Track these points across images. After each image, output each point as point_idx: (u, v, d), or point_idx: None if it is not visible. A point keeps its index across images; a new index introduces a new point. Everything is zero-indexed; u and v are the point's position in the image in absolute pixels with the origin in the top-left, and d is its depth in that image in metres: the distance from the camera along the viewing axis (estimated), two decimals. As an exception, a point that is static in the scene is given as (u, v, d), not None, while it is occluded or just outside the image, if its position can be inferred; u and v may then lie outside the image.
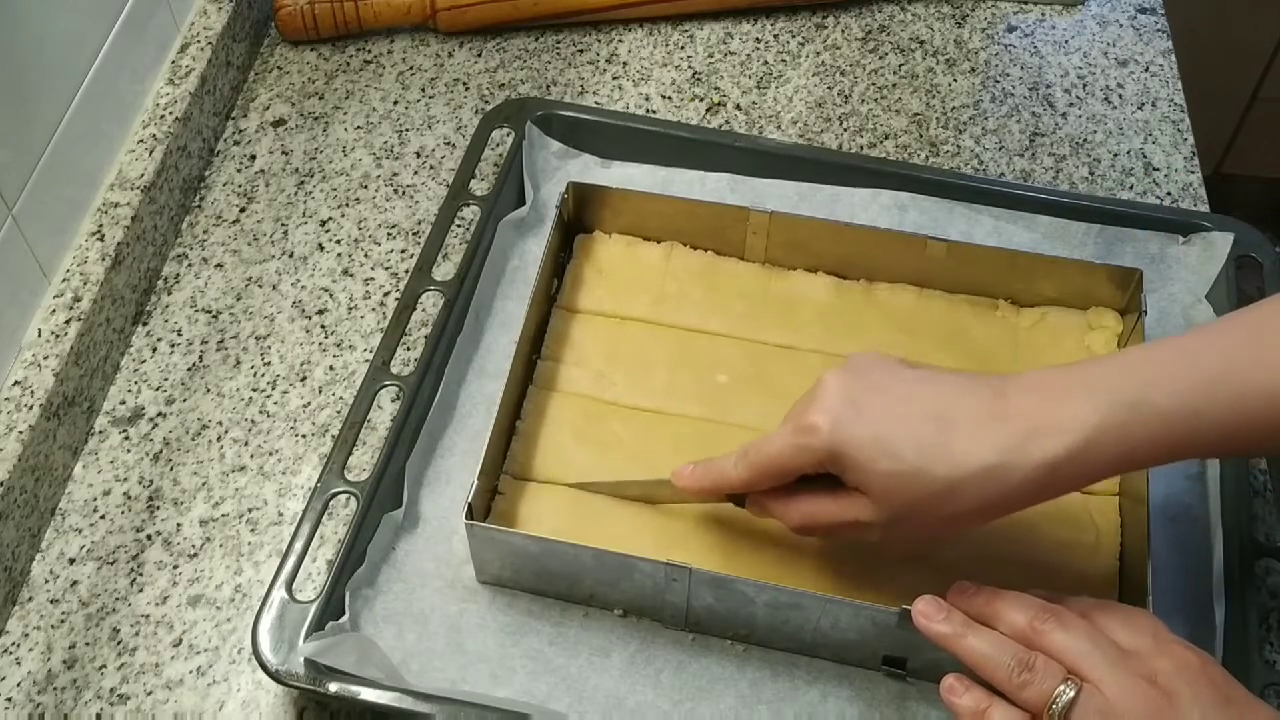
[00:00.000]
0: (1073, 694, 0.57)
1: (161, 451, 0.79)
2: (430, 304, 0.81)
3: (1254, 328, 0.61)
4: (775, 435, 0.64)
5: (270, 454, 0.78)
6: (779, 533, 0.71)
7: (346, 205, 0.90)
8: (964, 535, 0.69)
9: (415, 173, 0.92)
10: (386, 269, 0.87)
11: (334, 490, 0.72)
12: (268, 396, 0.81)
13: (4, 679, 0.70)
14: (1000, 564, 0.70)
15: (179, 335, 0.84)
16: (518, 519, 0.72)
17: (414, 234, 0.88)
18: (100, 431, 0.79)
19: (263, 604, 0.68)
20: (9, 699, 0.69)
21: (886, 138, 0.95)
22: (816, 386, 0.64)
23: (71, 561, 0.74)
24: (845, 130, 0.95)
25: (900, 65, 0.99)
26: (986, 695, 0.59)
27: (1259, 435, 0.60)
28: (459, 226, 0.86)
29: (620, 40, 1.01)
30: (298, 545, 0.70)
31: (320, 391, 0.81)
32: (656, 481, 0.71)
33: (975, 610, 0.62)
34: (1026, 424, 0.60)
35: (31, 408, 0.73)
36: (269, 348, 0.83)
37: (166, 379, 0.82)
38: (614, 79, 0.98)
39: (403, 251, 0.88)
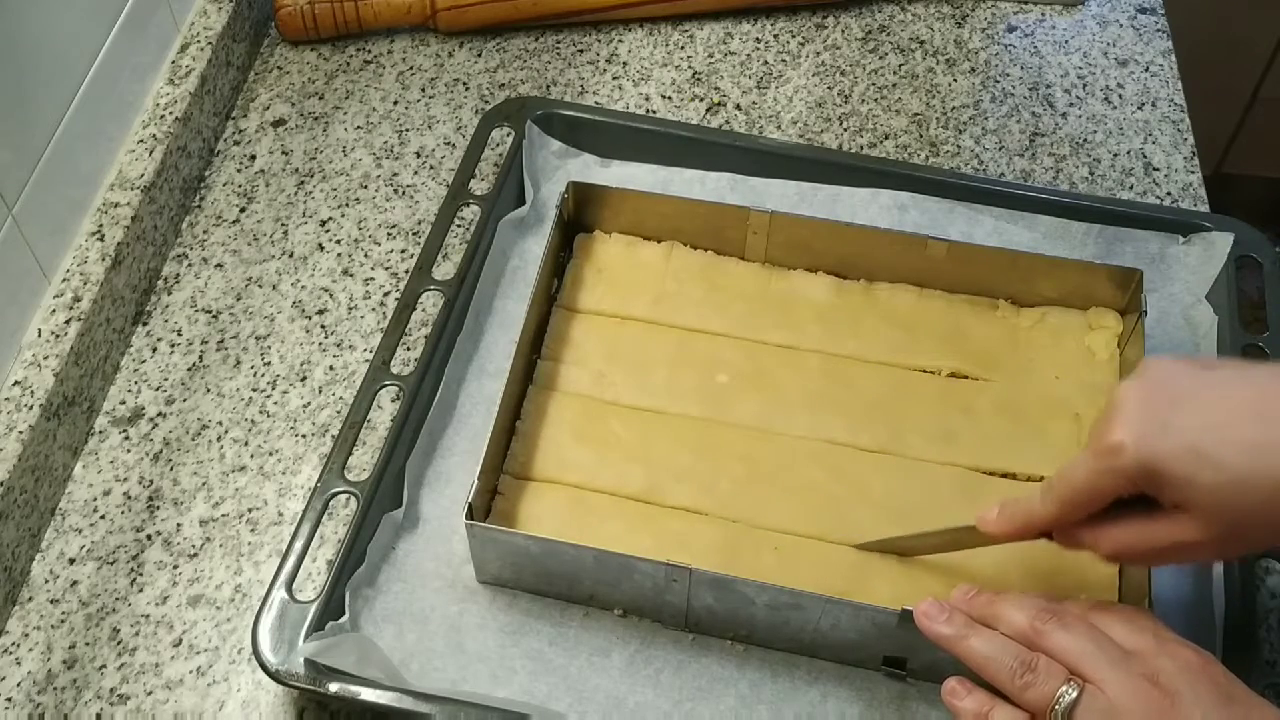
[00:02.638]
0: (1075, 695, 0.57)
1: (161, 451, 0.79)
2: (430, 304, 0.81)
3: None
4: (1078, 462, 0.59)
5: (270, 454, 0.78)
6: (779, 533, 0.72)
7: (346, 205, 0.90)
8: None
9: (415, 173, 0.92)
10: (386, 269, 0.87)
11: (334, 490, 0.72)
12: (268, 396, 0.81)
13: (4, 679, 0.70)
14: (1000, 566, 0.70)
15: (179, 335, 0.84)
16: (518, 519, 0.72)
17: (414, 234, 0.88)
18: (100, 431, 0.79)
19: (263, 604, 0.68)
20: (9, 699, 0.69)
21: (886, 138, 0.95)
22: (1114, 402, 0.58)
23: (71, 561, 0.74)
24: (845, 130, 0.95)
25: (900, 65, 0.99)
26: (989, 698, 0.60)
27: None
28: (459, 226, 0.86)
29: (620, 40, 1.01)
30: (298, 545, 0.70)
31: (320, 391, 0.81)
32: (960, 530, 0.67)
33: (976, 611, 0.62)
34: None
35: (31, 408, 0.73)
36: (269, 348, 0.83)
37: (166, 379, 0.82)
38: (614, 79, 0.98)
39: (403, 251, 0.88)
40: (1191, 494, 0.56)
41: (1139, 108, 0.97)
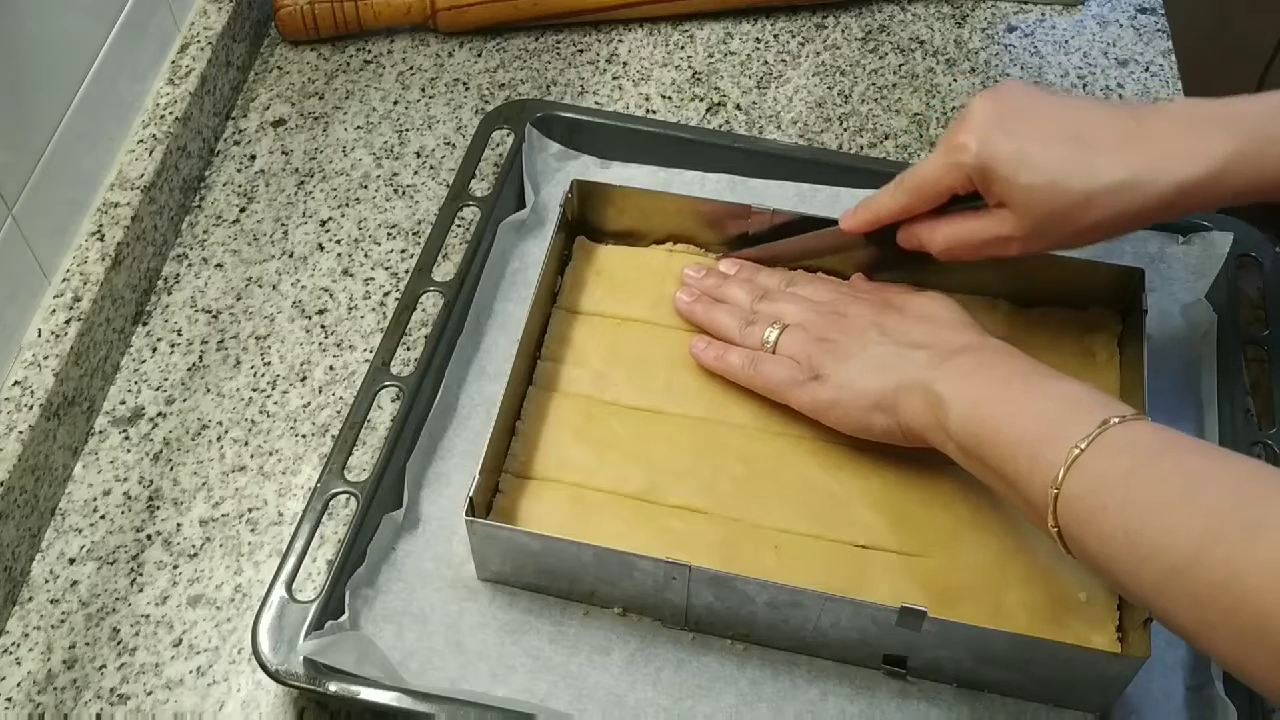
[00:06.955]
0: (778, 332, 0.75)
1: (161, 451, 0.79)
2: (430, 304, 0.81)
3: None
4: (928, 160, 0.71)
5: (270, 454, 0.78)
6: (779, 532, 0.72)
7: (346, 205, 0.90)
8: (965, 538, 0.70)
9: (415, 173, 0.92)
10: (386, 269, 0.87)
11: (334, 490, 0.72)
12: (268, 396, 0.81)
13: (4, 679, 0.70)
14: (1001, 563, 0.70)
15: (179, 335, 0.84)
16: (518, 517, 0.72)
17: (414, 234, 0.89)
18: (100, 431, 0.79)
19: (263, 604, 0.68)
20: (9, 699, 0.69)
21: (886, 138, 0.95)
22: (965, 110, 0.70)
23: (71, 561, 0.74)
24: (845, 130, 0.95)
25: (900, 65, 0.99)
26: (723, 346, 0.77)
27: None
28: (459, 227, 0.86)
29: (620, 40, 1.01)
30: (298, 545, 0.70)
31: (320, 391, 0.81)
32: (827, 232, 0.79)
33: (709, 290, 0.80)
34: (1162, 147, 0.66)
35: (31, 408, 0.73)
36: (269, 348, 0.83)
37: (166, 379, 0.82)
38: (614, 79, 0.98)
39: (403, 251, 0.88)
40: (1011, 192, 0.68)
41: (1139, 107, 0.97)
